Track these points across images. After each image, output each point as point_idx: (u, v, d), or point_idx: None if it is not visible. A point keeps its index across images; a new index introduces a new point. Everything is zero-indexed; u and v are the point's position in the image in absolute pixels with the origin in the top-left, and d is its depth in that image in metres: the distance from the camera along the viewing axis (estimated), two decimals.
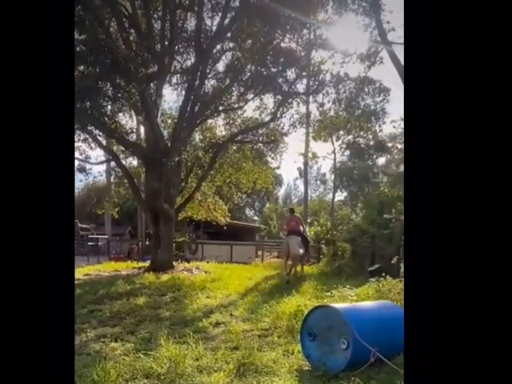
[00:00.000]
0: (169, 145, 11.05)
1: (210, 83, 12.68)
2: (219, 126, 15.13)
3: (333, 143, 29.10)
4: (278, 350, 4.22)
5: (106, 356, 4.06)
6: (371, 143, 29.15)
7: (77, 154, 11.96)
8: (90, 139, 11.08)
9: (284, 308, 5.79)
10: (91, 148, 11.66)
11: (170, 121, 13.97)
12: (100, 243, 21.64)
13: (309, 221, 26.75)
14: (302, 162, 30.50)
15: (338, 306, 3.97)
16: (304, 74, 12.83)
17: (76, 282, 8.98)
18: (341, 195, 33.77)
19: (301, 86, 13.74)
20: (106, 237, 22.97)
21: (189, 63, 11.96)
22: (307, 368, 3.74)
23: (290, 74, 12.21)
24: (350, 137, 28.45)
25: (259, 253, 22.70)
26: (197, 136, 14.49)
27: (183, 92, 11.89)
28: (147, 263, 12.22)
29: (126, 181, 13.75)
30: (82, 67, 8.50)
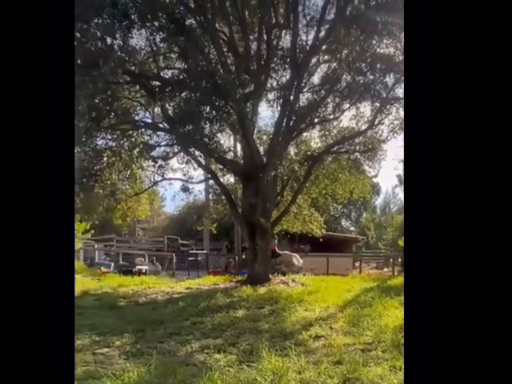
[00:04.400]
0: (264, 160, 11.38)
1: (305, 96, 12.77)
2: (314, 138, 15.15)
3: None
4: (384, 366, 4.06)
5: (210, 367, 4.18)
6: None
7: (180, 175, 13.03)
8: (191, 161, 11.83)
9: (387, 321, 5.61)
10: (194, 169, 12.39)
11: (265, 137, 14.33)
12: (199, 258, 22.45)
13: None
14: (401, 169, 29.23)
15: None
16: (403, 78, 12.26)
17: (178, 296, 9.61)
18: None
19: (400, 91, 13.23)
20: (205, 252, 23.75)
21: (284, 79, 12.22)
22: None
23: (389, 79, 11.82)
24: None
25: (356, 264, 22.11)
26: (292, 149, 14.68)
27: (278, 108, 12.14)
28: (244, 276, 12.48)
29: (223, 197, 14.11)
30: (184, 94, 9.22)
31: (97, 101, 9.16)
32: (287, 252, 16.49)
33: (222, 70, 10.19)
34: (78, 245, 18.22)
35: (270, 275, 11.83)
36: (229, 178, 15.77)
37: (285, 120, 11.53)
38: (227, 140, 14.35)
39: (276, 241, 16.37)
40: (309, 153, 14.08)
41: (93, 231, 20.25)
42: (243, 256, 20.28)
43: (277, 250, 15.56)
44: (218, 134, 10.62)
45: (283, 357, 4.29)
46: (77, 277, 12.48)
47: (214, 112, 8.88)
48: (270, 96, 12.59)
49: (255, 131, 12.47)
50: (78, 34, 7.58)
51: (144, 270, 16.79)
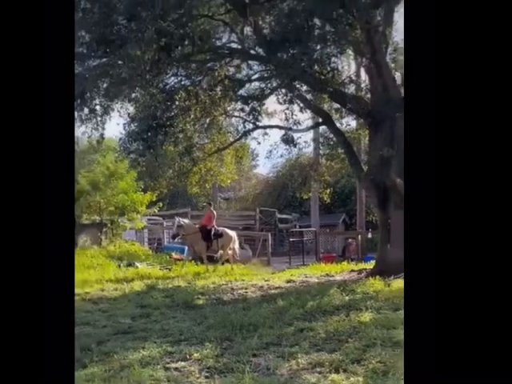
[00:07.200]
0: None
1: None
2: None
3: None
4: None
5: None
6: None
7: (279, 121, 10.04)
8: (296, 99, 8.83)
9: None
10: (300, 111, 9.25)
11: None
12: (305, 238, 17.41)
13: None
14: None
15: None
16: None
17: (276, 291, 7.71)
18: None
19: None
20: (314, 229, 18.11)
21: None
22: None
23: None
24: None
25: None
26: None
27: None
28: (371, 264, 9.95)
29: (340, 150, 10.71)
30: (286, 3, 6.97)
31: (167, 23, 6.77)
32: (228, 230, 11.77)
33: None
34: (142, 223, 14.94)
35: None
36: (349, 122, 11.35)
37: None
38: (347, 67, 10.94)
39: (211, 207, 11.93)
40: None
41: (160, 204, 15.88)
42: (369, 235, 17.01)
43: (215, 224, 11.28)
44: (335, 59, 7.89)
45: None
46: (140, 266, 10.88)
47: (328, 26, 6.53)
48: None
49: (389, 50, 9.16)
50: None
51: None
